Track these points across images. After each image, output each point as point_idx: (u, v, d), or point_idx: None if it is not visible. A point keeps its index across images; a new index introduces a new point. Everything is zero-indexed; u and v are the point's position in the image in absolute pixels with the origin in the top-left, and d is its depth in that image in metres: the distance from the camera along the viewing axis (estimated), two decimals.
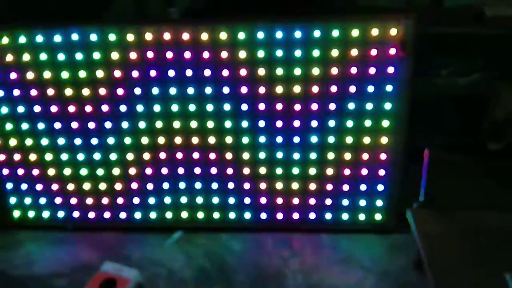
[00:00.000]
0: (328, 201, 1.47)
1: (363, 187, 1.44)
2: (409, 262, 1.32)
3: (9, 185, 1.53)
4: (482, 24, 1.60)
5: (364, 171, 1.42)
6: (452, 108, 1.84)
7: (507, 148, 1.75)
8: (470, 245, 1.11)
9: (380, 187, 1.44)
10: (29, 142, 1.47)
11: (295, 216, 1.49)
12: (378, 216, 1.47)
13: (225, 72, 1.34)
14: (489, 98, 1.78)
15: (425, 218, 1.19)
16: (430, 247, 1.09)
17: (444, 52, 1.72)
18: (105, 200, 1.53)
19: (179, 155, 1.45)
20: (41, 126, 1.45)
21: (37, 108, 1.42)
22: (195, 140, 1.43)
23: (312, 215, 1.49)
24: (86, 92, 1.39)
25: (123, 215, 1.54)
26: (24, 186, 1.53)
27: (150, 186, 1.50)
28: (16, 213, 1.57)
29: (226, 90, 1.36)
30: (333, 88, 1.34)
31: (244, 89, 1.36)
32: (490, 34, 1.60)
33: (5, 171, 1.51)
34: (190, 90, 1.37)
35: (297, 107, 1.37)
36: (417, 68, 1.31)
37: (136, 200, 1.52)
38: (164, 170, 1.47)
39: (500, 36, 1.60)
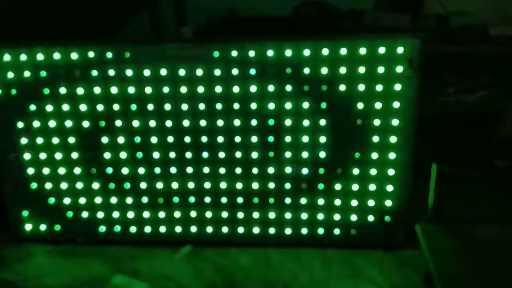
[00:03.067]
0: (337, 217, 1.48)
1: (371, 202, 1.45)
2: (418, 277, 1.32)
3: (21, 200, 1.56)
4: (487, 43, 1.63)
5: (372, 187, 1.43)
6: (459, 125, 1.87)
7: None
8: (479, 259, 1.11)
9: (388, 203, 1.45)
10: (43, 156, 1.50)
11: (304, 231, 1.50)
12: (387, 233, 1.48)
13: (236, 89, 1.38)
14: (495, 115, 1.80)
15: (434, 233, 1.20)
16: (439, 262, 1.10)
17: (451, 71, 1.75)
18: (115, 214, 1.55)
19: (189, 170, 1.48)
20: (55, 140, 1.48)
21: (52, 123, 1.46)
22: (205, 154, 1.46)
23: (320, 230, 1.50)
24: (100, 107, 1.44)
25: (133, 229, 1.56)
26: (36, 200, 1.55)
27: (160, 200, 1.52)
28: (28, 226, 1.59)
29: (236, 106, 1.40)
30: (341, 105, 1.37)
31: (253, 105, 1.39)
32: (495, 53, 1.63)
33: (18, 186, 1.54)
34: (202, 106, 1.41)
35: (306, 122, 1.40)
36: (424, 86, 1.34)
37: (146, 214, 1.54)
38: (174, 185, 1.50)
39: (505, 54, 1.63)
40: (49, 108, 1.45)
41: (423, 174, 1.36)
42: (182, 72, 1.38)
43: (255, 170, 1.45)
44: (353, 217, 1.47)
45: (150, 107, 1.42)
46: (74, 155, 1.49)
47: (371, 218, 1.47)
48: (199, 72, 1.37)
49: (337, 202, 1.46)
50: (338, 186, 1.45)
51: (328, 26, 1.63)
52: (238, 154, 1.44)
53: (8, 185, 1.53)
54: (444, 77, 1.73)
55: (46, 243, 1.57)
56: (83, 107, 1.44)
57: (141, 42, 1.38)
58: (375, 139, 1.39)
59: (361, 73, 1.34)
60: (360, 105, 1.36)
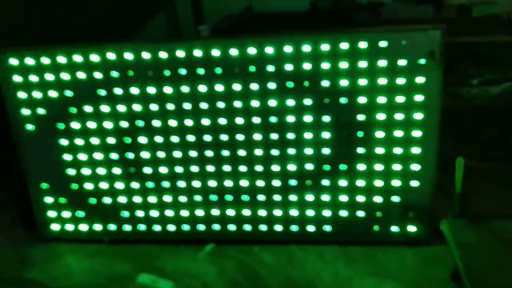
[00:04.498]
0: (361, 213, 1.46)
1: (395, 198, 1.43)
2: (445, 274, 1.29)
3: (49, 199, 1.59)
4: (511, 32, 1.58)
5: (396, 182, 1.41)
6: (484, 117, 1.82)
7: None
8: (508, 254, 1.08)
9: (413, 198, 1.42)
10: (68, 157, 1.53)
11: (327, 228, 1.49)
12: (411, 228, 1.45)
13: (254, 86, 1.38)
14: None
15: (461, 229, 1.17)
16: (467, 258, 1.07)
17: (475, 62, 1.70)
18: (140, 213, 1.57)
19: (211, 168, 1.48)
20: (79, 142, 1.51)
21: (75, 125, 1.49)
22: (225, 153, 1.46)
23: (344, 227, 1.48)
24: (121, 108, 1.45)
25: (157, 227, 1.57)
26: (62, 200, 1.59)
27: (183, 199, 1.53)
28: (55, 226, 1.62)
29: (255, 103, 1.39)
30: (362, 99, 1.35)
31: (273, 102, 1.39)
32: None
33: (44, 185, 1.58)
34: (221, 104, 1.41)
35: (326, 118, 1.38)
36: (447, 78, 1.31)
37: (169, 213, 1.55)
38: (196, 183, 1.51)
39: None
40: (88, 109, 1.47)
41: (447, 168, 1.34)
42: (201, 71, 1.38)
43: (275, 168, 1.45)
44: (377, 214, 1.45)
45: (171, 107, 1.43)
46: (99, 156, 1.51)
47: (395, 214, 1.45)
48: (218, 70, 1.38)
49: (360, 198, 1.45)
50: (361, 183, 1.43)
51: (346, 19, 1.60)
52: (259, 152, 1.44)
53: (48, 183, 1.56)
54: (467, 69, 1.69)
55: (73, 242, 1.60)
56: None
57: (160, 42, 1.38)
58: (399, 133, 1.37)
59: (382, 66, 1.32)
60: (382, 99, 1.34)
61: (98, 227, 1.60)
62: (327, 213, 1.48)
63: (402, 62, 1.31)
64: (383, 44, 1.30)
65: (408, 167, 1.39)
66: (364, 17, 1.66)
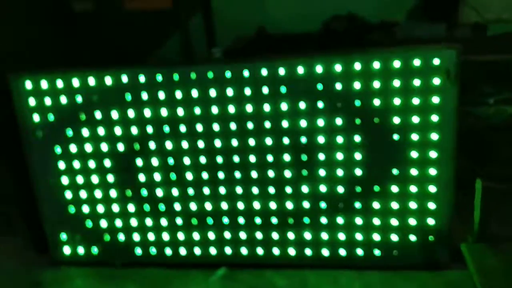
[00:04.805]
0: (376, 237, 1.42)
1: (412, 221, 1.39)
2: None
3: (60, 222, 1.59)
4: None
5: (413, 205, 1.38)
6: (501, 137, 1.78)
7: None
8: None
9: (431, 221, 1.38)
10: (80, 180, 1.53)
11: (342, 252, 1.46)
12: (431, 252, 1.41)
13: (267, 107, 1.37)
14: None
15: (481, 253, 1.13)
16: (488, 283, 1.03)
17: (491, 81, 1.68)
18: (151, 236, 1.55)
19: (222, 190, 1.47)
20: (92, 164, 1.51)
21: (88, 148, 1.49)
22: (237, 174, 1.44)
23: (359, 251, 1.44)
24: (134, 131, 1.45)
25: (168, 251, 1.55)
26: (74, 223, 1.58)
27: (194, 222, 1.51)
28: (67, 250, 1.61)
29: (267, 124, 1.38)
30: (376, 120, 1.33)
31: (285, 124, 1.38)
32: None
33: (56, 208, 1.57)
34: (233, 126, 1.40)
35: (339, 139, 1.36)
36: (463, 98, 1.29)
37: (180, 236, 1.53)
38: (208, 206, 1.49)
39: None
40: (85, 132, 1.48)
41: (464, 188, 1.30)
42: (213, 93, 1.38)
43: (288, 190, 1.43)
44: (394, 237, 1.41)
45: (183, 128, 1.43)
46: (110, 178, 1.51)
47: (413, 237, 1.40)
48: (230, 92, 1.37)
49: (376, 221, 1.41)
50: (376, 205, 1.40)
51: (359, 40, 1.60)
52: (271, 174, 1.42)
53: (47, 209, 1.57)
54: (483, 88, 1.67)
55: (85, 266, 1.59)
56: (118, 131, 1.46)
57: (173, 65, 1.39)
58: (414, 154, 1.34)
59: (396, 86, 1.30)
60: (396, 120, 1.32)
61: (110, 250, 1.58)
62: (341, 236, 1.44)
63: (416, 82, 1.29)
64: (396, 64, 1.28)
65: (425, 189, 1.36)
66: (377, 37, 1.66)
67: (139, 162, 1.48)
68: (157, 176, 1.49)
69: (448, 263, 1.38)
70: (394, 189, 1.38)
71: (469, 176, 1.34)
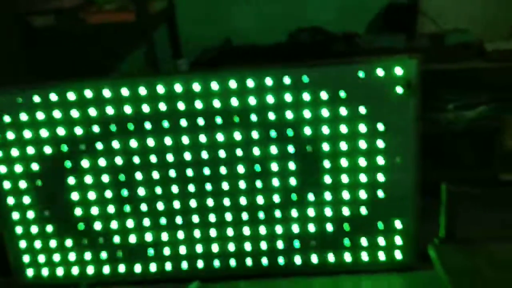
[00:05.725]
0: (347, 242, 1.45)
1: (380, 225, 1.42)
2: None
3: (23, 244, 1.52)
4: (483, 58, 1.65)
5: (381, 209, 1.41)
6: (461, 142, 1.86)
7: None
8: (497, 277, 1.09)
9: (398, 225, 1.42)
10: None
11: (314, 259, 1.47)
12: (398, 255, 1.44)
13: (236, 119, 1.37)
14: (496, 130, 1.80)
15: (448, 253, 1.17)
16: (457, 281, 1.07)
17: (449, 88, 1.76)
18: (119, 254, 1.51)
19: (193, 204, 1.45)
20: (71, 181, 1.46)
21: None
22: (208, 187, 1.43)
23: (331, 257, 1.46)
24: (99, 146, 1.42)
25: (137, 268, 1.51)
26: (37, 244, 1.52)
27: (164, 237, 1.48)
28: (30, 272, 1.54)
29: (237, 136, 1.38)
30: (343, 129, 1.36)
31: (255, 134, 1.38)
32: (492, 68, 1.64)
33: (19, 229, 1.51)
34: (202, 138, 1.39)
35: (309, 148, 1.38)
36: (424, 104, 1.34)
37: (150, 252, 1.50)
38: (178, 220, 1.47)
39: (502, 69, 1.64)
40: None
41: (430, 193, 1.34)
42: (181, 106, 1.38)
43: (260, 200, 1.43)
44: (363, 242, 1.44)
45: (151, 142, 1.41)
46: (75, 196, 1.46)
47: (381, 241, 1.43)
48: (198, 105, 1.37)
49: (346, 227, 1.43)
50: (346, 211, 1.42)
51: (323, 51, 1.64)
52: (243, 185, 1.42)
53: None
54: (442, 95, 1.74)
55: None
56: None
57: (139, 77, 1.38)
58: (380, 161, 1.38)
59: (361, 95, 1.33)
60: (363, 128, 1.36)
61: (75, 270, 1.53)
62: (313, 243, 1.45)
63: (379, 92, 1.33)
64: (360, 74, 1.32)
65: (392, 193, 1.39)
66: (341, 48, 1.71)
67: (105, 178, 1.44)
68: (124, 192, 1.45)
69: (416, 264, 1.42)
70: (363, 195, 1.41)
71: (434, 181, 1.38)
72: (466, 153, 1.82)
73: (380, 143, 1.37)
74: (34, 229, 1.50)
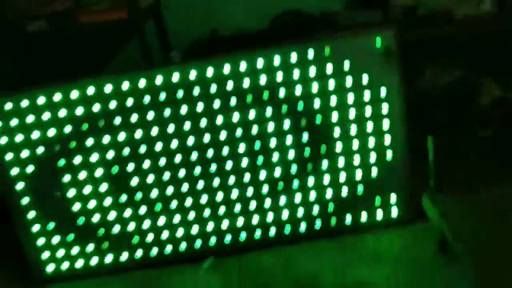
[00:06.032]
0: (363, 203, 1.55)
1: (375, 186, 1.54)
2: (433, 248, 1.39)
3: (41, 241, 1.58)
4: (453, 25, 1.77)
5: (374, 171, 1.53)
6: (440, 106, 1.98)
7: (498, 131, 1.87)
8: (489, 220, 1.19)
9: (392, 184, 1.53)
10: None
11: (317, 224, 1.58)
12: (394, 212, 1.56)
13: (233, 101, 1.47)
14: (472, 92, 1.92)
15: (441, 201, 1.28)
16: (451, 225, 1.18)
17: (425, 56, 1.87)
18: (135, 240, 1.58)
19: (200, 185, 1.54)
20: (67, 178, 1.53)
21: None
22: (213, 167, 1.52)
23: (333, 220, 1.57)
24: (90, 142, 1.49)
25: (154, 251, 1.60)
26: (55, 239, 1.58)
27: (176, 219, 1.57)
28: (50, 268, 1.61)
29: (235, 117, 1.48)
30: (333, 100, 1.47)
31: (252, 114, 1.48)
32: (462, 33, 1.77)
33: (36, 227, 1.57)
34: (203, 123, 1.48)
35: (304, 122, 1.48)
36: (402, 73, 1.45)
37: (164, 235, 1.58)
38: (188, 201, 1.55)
39: (471, 33, 1.77)
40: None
41: (417, 157, 1.45)
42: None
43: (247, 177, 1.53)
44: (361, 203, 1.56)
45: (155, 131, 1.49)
46: (87, 190, 1.54)
47: (377, 201, 1.55)
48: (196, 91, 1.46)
49: (344, 191, 1.55)
50: (343, 176, 1.53)
51: (305, 32, 1.74)
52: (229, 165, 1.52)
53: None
54: (419, 63, 1.85)
55: (68, 280, 1.59)
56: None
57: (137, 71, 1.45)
58: (369, 126, 1.49)
59: (346, 69, 1.44)
60: (351, 97, 1.47)
61: (94, 261, 1.60)
62: (315, 209, 1.56)
63: (363, 63, 1.43)
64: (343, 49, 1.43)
65: (383, 156, 1.51)
66: (321, 28, 1.80)
67: (114, 169, 1.52)
68: (134, 181, 1.53)
69: (411, 219, 1.54)
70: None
71: (415, 146, 1.49)
72: (444, 116, 1.94)
73: (368, 110, 1.47)
74: (51, 226, 1.56)
